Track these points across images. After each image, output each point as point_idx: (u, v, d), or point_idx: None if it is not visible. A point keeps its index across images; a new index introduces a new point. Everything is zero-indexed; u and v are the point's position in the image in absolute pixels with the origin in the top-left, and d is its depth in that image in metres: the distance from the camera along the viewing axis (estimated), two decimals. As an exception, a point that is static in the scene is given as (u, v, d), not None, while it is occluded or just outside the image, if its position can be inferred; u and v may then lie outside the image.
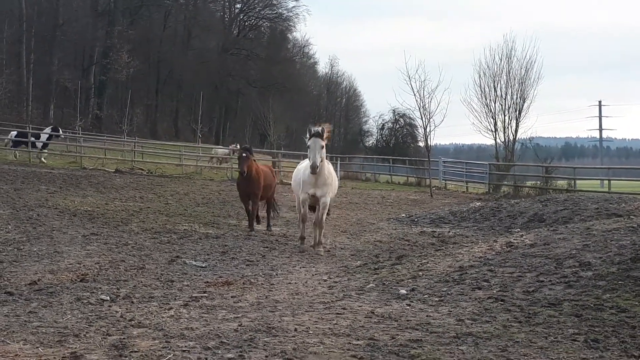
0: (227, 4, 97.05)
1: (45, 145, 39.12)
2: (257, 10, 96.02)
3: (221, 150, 45.29)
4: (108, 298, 8.69)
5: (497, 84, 46.53)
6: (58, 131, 41.10)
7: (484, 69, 47.30)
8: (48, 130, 40.41)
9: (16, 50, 66.17)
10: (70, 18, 71.61)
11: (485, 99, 46.71)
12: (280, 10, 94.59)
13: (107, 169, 35.93)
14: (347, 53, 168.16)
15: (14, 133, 40.19)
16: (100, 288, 9.32)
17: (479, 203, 24.77)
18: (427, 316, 7.68)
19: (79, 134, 52.34)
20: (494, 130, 46.25)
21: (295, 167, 16.82)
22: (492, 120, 46.36)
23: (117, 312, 7.94)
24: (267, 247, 14.14)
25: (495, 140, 46.66)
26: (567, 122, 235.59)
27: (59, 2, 70.89)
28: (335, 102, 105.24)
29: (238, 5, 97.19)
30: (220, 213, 20.46)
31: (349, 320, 7.53)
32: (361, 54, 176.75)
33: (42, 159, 37.39)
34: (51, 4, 71.41)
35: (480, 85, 47.07)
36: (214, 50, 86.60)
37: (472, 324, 7.28)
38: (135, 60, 71.15)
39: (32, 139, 38.88)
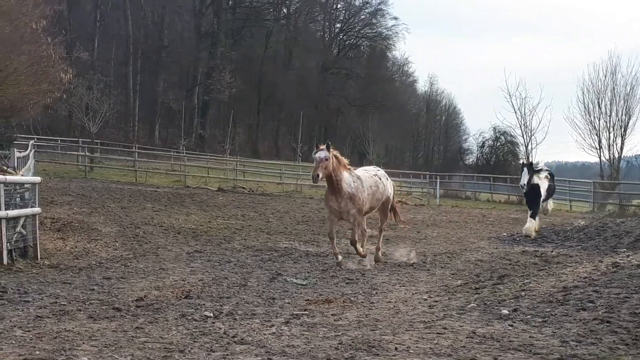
0: (327, 24, 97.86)
1: None
2: (356, 29, 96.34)
3: None
4: (211, 315, 8.84)
5: (602, 101, 45.12)
6: None
7: (587, 85, 45.94)
8: None
9: (123, 72, 68.44)
10: (175, 39, 73.65)
11: (589, 116, 45.36)
12: (379, 29, 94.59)
13: (209, 188, 36.63)
14: (446, 71, 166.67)
15: None
16: (204, 305, 9.51)
17: (583, 222, 24.11)
18: (530, 337, 7.52)
19: (183, 153, 53.72)
20: (598, 147, 44.84)
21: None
22: (596, 137, 44.97)
23: (220, 328, 8.07)
24: (365, 266, 14.13)
25: (600, 157, 45.21)
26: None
27: (164, 23, 73.04)
28: (435, 120, 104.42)
29: (338, 25, 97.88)
30: (319, 231, 20.57)
31: (450, 340, 7.46)
32: (461, 72, 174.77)
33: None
34: (157, 25, 73.61)
35: (584, 102, 45.70)
36: (314, 69, 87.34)
37: (576, 345, 7.09)
38: (237, 80, 72.38)
39: None
